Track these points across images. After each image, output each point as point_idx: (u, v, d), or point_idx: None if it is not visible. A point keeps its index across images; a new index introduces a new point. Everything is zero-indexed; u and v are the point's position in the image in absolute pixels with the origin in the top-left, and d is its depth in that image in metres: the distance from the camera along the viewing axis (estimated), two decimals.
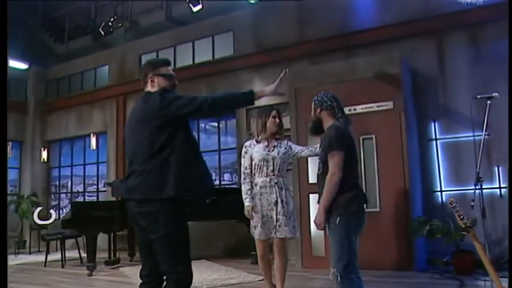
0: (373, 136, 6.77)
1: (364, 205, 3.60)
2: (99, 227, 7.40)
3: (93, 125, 11.83)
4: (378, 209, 6.64)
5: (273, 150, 4.73)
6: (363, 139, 6.83)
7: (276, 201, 4.57)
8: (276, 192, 4.59)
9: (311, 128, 3.86)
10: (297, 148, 4.90)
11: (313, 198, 7.13)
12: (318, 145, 4.16)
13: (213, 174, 9.75)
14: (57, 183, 12.89)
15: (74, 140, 12.50)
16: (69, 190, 12.59)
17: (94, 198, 11.87)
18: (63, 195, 12.73)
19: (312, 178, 7.16)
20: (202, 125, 10.11)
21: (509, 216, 4.97)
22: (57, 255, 8.74)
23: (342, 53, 8.17)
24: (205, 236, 9.10)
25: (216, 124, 9.87)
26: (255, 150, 4.78)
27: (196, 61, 10.14)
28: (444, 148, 7.30)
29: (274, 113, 4.87)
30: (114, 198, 10.71)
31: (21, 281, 7.03)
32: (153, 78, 3.19)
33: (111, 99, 11.45)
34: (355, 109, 6.91)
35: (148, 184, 2.91)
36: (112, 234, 8.30)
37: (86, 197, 12.07)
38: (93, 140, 11.23)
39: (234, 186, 9.40)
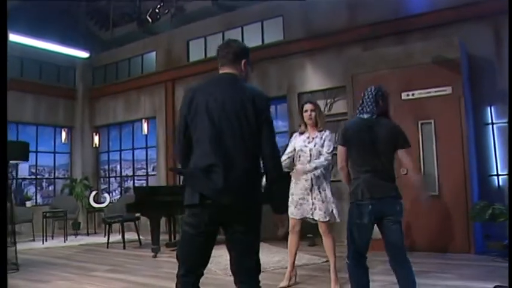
0: (432, 121, 6.84)
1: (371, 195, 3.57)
2: (164, 211, 7.71)
3: (142, 110, 12.12)
4: (437, 193, 6.75)
5: (310, 142, 4.94)
6: (421, 124, 6.92)
7: (312, 187, 4.83)
8: (311, 180, 4.83)
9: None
10: (324, 148, 4.90)
11: None
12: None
13: None
14: (106, 167, 13.29)
15: (122, 125, 12.82)
16: (118, 174, 12.96)
17: (143, 182, 12.21)
18: (112, 179, 13.13)
19: None
20: None
21: (509, 215, 4.90)
22: (115, 237, 9.14)
23: (395, 38, 8.19)
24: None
25: None
26: (297, 140, 5.04)
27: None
28: (500, 132, 7.32)
29: (306, 106, 5.05)
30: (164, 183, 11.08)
31: (90, 261, 7.39)
32: (246, 64, 2.99)
33: (159, 85, 11.69)
34: (413, 94, 7.00)
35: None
36: (172, 217, 8.59)
37: (136, 181, 12.42)
38: (145, 125, 11.56)
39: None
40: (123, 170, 12.86)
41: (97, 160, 13.45)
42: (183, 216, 2.85)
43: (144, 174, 12.30)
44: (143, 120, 11.71)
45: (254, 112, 2.78)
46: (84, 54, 9.07)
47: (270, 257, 6.82)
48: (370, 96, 3.81)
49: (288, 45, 9.49)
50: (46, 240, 9.71)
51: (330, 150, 4.88)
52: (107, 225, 9.01)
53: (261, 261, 2.85)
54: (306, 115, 5.00)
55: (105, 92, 13.11)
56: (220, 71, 2.95)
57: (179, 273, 2.78)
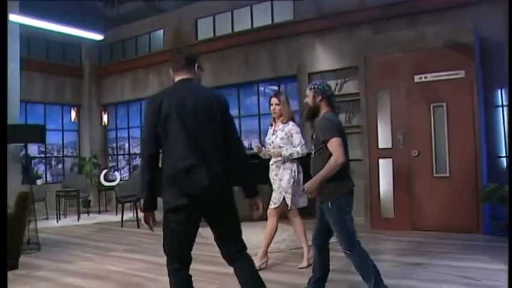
0: (444, 104, 6.94)
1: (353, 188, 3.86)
2: None
3: (150, 88, 12.15)
4: (447, 175, 6.90)
5: (273, 135, 5.26)
6: (433, 107, 7.02)
7: (275, 177, 5.23)
8: (275, 170, 5.23)
9: (308, 114, 4.03)
10: (294, 141, 5.15)
11: (382, 162, 7.44)
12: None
13: None
14: (114, 145, 13.41)
15: (130, 103, 12.89)
16: (126, 152, 13.08)
17: None
18: (120, 157, 13.25)
19: (382, 143, 7.44)
20: (262, 88, 10.36)
21: (509, 214, 4.99)
22: (127, 215, 9.36)
23: (406, 20, 8.18)
24: (267, 197, 9.50)
25: (276, 87, 10.10)
26: (268, 133, 5.42)
27: (255, 25, 10.25)
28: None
29: (271, 100, 5.29)
30: None
31: (107, 240, 7.58)
32: (198, 67, 3.23)
33: (167, 64, 11.63)
34: (425, 77, 7.08)
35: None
36: None
37: None
38: None
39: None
40: (131, 148, 12.98)
41: (105, 138, 13.56)
42: (167, 214, 3.01)
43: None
44: None
45: (220, 111, 3.09)
46: (98, 37, 9.13)
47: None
48: (333, 93, 4.01)
49: (298, 25, 9.50)
50: (60, 218, 9.89)
51: (303, 142, 5.13)
52: (121, 204, 9.17)
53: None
54: (271, 108, 5.26)
55: (112, 71, 13.13)
56: (177, 77, 3.18)
57: (172, 268, 3.06)
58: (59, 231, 8.60)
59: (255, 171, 3.37)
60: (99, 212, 11.17)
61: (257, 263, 4.82)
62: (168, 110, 2.97)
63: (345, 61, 8.88)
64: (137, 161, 12.70)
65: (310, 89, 3.94)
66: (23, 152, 7.75)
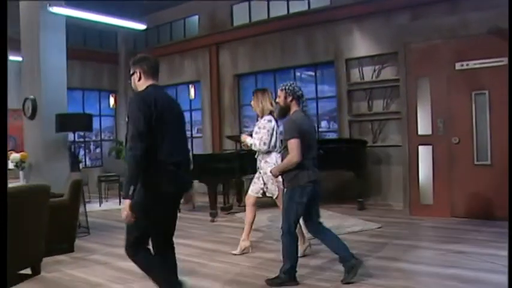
0: (486, 92, 6.92)
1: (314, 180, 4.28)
2: (221, 177, 8.07)
3: (185, 74, 12.35)
4: (489, 162, 6.92)
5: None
6: (475, 94, 7.01)
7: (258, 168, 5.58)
8: (257, 162, 5.56)
9: (279, 113, 4.57)
10: (259, 135, 5.43)
11: (422, 149, 7.49)
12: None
13: None
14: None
15: (165, 89, 13.00)
16: None
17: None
18: None
19: (421, 130, 7.47)
20: (298, 74, 10.42)
21: (509, 213, 4.97)
22: None
23: (446, 6, 8.06)
24: None
25: (312, 73, 10.15)
26: None
27: (291, 11, 10.27)
28: None
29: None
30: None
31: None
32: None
33: (202, 49, 11.85)
34: (467, 64, 7.06)
35: None
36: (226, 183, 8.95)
37: None
38: (192, 90, 11.85)
39: (332, 133, 9.84)
40: None
41: None
42: (151, 200, 3.31)
43: (189, 136, 12.62)
44: (190, 86, 11.99)
45: (183, 117, 3.66)
46: (141, 26, 9.33)
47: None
48: (303, 93, 4.43)
49: (335, 11, 9.48)
50: (102, 202, 10.21)
51: (263, 138, 5.35)
52: None
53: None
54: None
55: None
56: (147, 82, 3.48)
57: (141, 248, 3.46)
58: (102, 214, 8.90)
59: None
60: None
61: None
62: (161, 108, 3.29)
63: (382, 47, 8.87)
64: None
65: (282, 90, 4.37)
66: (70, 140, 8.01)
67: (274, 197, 5.49)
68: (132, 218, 3.22)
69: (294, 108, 4.35)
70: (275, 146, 5.38)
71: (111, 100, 13.23)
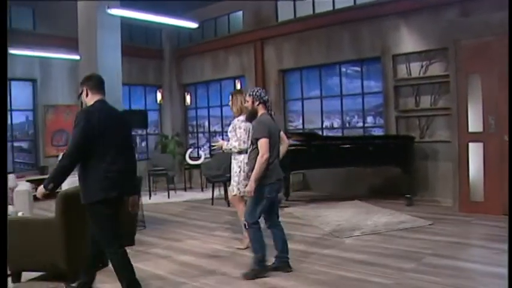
0: None
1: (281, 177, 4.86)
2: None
3: (230, 69, 12.53)
4: None
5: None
6: None
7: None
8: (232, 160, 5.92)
9: (248, 116, 5.05)
10: (237, 135, 5.78)
11: (472, 146, 7.47)
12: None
13: (356, 117, 10.27)
14: (194, 123, 13.94)
15: (210, 84, 13.31)
16: (206, 130, 13.60)
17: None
18: (200, 135, 13.79)
19: (472, 127, 7.45)
20: (344, 69, 10.46)
21: (509, 213, 4.88)
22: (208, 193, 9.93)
23: (495, 0, 8.00)
24: (350, 177, 9.74)
25: (358, 69, 10.18)
26: None
27: (336, 7, 10.31)
28: None
29: (229, 98, 6.12)
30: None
31: (204, 219, 8.02)
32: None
33: (247, 45, 11.98)
34: None
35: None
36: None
37: (224, 137, 12.96)
38: (238, 85, 12.04)
39: (378, 128, 9.87)
40: (211, 126, 13.46)
41: (185, 116, 14.12)
42: (97, 205, 3.81)
43: None
44: (236, 81, 12.22)
45: (128, 128, 4.21)
46: (193, 25, 9.54)
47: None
48: (268, 98, 4.96)
49: (381, 6, 9.46)
50: (151, 196, 10.53)
51: (242, 138, 5.70)
52: (211, 183, 9.68)
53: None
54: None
55: (191, 52, 13.56)
56: (95, 97, 3.98)
57: (114, 248, 3.90)
58: (153, 208, 9.16)
59: None
60: (185, 189, 11.75)
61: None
62: (104, 121, 3.81)
63: (430, 43, 8.82)
64: (217, 139, 13.10)
65: (250, 95, 4.89)
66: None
67: (233, 194, 5.87)
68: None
69: (261, 111, 4.85)
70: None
71: (158, 95, 13.54)
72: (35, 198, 5.33)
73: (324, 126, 10.76)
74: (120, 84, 7.95)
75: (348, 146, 8.81)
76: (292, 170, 8.67)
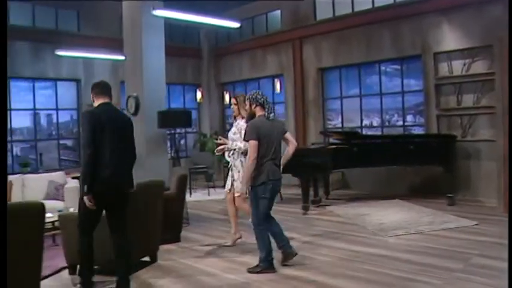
0: None
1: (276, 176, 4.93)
2: (314, 172, 8.29)
3: (268, 68, 12.61)
4: None
5: (231, 129, 6.27)
6: None
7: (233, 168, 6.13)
8: (231, 161, 6.15)
9: (247, 119, 5.19)
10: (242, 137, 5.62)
11: None
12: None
13: (396, 115, 10.21)
14: (231, 121, 14.03)
15: (248, 82, 13.42)
16: None
17: None
18: None
19: None
20: (383, 68, 10.42)
21: (509, 213, 4.74)
22: None
23: None
24: (390, 176, 9.70)
25: (398, 67, 10.13)
26: None
27: (376, 5, 10.27)
28: None
29: (231, 100, 6.35)
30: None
31: (244, 216, 8.06)
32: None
33: (285, 44, 12.04)
34: None
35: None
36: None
37: None
38: (278, 84, 12.12)
39: (418, 127, 9.81)
40: None
41: (223, 115, 14.29)
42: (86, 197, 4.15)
43: None
44: (275, 79, 12.29)
45: (130, 130, 4.56)
46: (235, 25, 9.70)
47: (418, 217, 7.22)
48: (269, 100, 5.11)
49: (422, 4, 9.37)
50: (191, 193, 10.71)
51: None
52: None
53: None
54: (231, 107, 6.32)
55: (229, 51, 13.71)
56: (102, 100, 4.45)
57: (84, 237, 4.35)
58: (195, 205, 9.31)
59: None
60: (224, 186, 11.84)
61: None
62: (105, 122, 4.23)
63: (473, 40, 8.71)
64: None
65: (247, 99, 5.10)
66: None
67: (237, 195, 5.98)
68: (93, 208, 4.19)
69: (259, 113, 5.00)
70: None
71: (198, 94, 13.73)
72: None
73: (363, 124, 10.74)
74: (163, 84, 8.12)
75: (389, 144, 8.78)
76: (333, 169, 8.69)
